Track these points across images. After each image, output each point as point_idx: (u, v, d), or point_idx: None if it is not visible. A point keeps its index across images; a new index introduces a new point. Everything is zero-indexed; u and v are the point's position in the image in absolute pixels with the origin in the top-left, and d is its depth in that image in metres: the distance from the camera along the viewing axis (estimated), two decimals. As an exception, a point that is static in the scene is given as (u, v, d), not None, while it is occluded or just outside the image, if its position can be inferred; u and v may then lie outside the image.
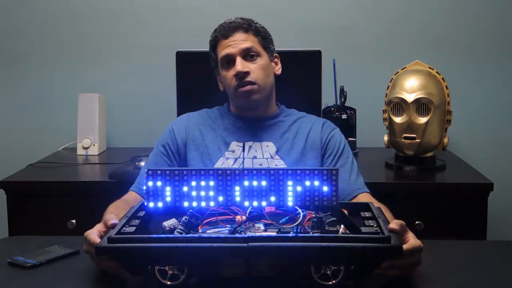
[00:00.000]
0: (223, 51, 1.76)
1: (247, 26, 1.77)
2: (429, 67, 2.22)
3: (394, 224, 1.20)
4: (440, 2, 2.59)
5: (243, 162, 1.72)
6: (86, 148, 2.50)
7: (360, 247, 1.11)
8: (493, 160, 2.60)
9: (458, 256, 1.40)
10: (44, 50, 2.67)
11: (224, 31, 1.77)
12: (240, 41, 1.75)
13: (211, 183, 1.13)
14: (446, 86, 2.19)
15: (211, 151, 1.76)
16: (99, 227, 1.29)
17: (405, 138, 2.17)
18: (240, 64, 1.73)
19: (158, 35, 2.64)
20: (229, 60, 1.75)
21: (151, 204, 1.16)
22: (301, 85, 2.09)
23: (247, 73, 1.73)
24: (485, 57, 2.59)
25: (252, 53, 1.75)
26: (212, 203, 1.14)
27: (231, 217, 1.29)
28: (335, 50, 2.50)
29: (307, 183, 1.13)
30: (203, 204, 1.15)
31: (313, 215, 1.23)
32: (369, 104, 2.52)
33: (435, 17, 2.59)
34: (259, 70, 1.75)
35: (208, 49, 1.86)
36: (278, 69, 1.85)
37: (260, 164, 1.73)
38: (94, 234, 1.27)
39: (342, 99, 2.43)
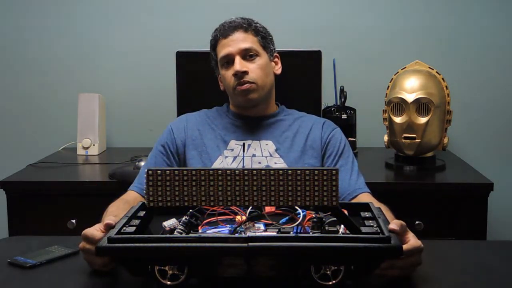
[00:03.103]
0: (222, 51, 1.77)
1: (247, 25, 1.78)
2: (429, 67, 2.22)
3: (394, 224, 1.20)
4: (440, 2, 2.59)
5: (243, 160, 1.72)
6: (86, 148, 2.50)
7: (360, 247, 1.11)
8: (493, 160, 2.60)
9: (458, 256, 1.40)
10: (44, 50, 2.67)
11: (224, 31, 1.78)
12: (239, 40, 1.76)
13: (211, 183, 1.13)
14: (446, 86, 2.19)
15: (210, 150, 1.76)
16: (98, 227, 1.29)
17: (405, 138, 2.17)
18: (239, 64, 1.73)
19: (158, 35, 2.64)
20: (229, 60, 1.76)
21: (151, 204, 1.16)
22: (301, 85, 2.09)
23: (245, 73, 1.73)
24: (485, 57, 2.59)
25: (251, 53, 1.76)
26: (212, 203, 1.14)
27: (231, 217, 1.29)
28: (335, 50, 2.50)
29: (307, 183, 1.13)
30: (203, 204, 1.15)
31: (313, 215, 1.23)
32: (369, 104, 2.52)
33: (435, 17, 2.59)
34: (258, 70, 1.76)
35: (208, 49, 1.86)
36: (278, 69, 1.86)
37: (259, 163, 1.73)
38: (93, 229, 1.26)
39: (342, 99, 2.43)
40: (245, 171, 1.14)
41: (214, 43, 1.81)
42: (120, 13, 2.64)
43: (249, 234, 1.16)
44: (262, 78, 1.76)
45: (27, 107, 2.71)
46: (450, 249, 1.46)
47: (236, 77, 1.74)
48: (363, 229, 1.18)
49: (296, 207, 1.22)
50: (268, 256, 1.13)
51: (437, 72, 2.21)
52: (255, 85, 1.75)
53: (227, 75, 1.77)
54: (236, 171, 1.14)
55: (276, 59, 1.86)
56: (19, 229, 2.08)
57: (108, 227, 1.23)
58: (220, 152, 1.75)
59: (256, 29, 1.80)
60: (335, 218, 1.20)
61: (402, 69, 2.25)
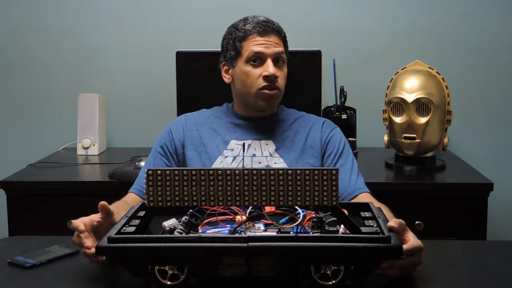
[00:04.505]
0: (255, 47, 1.72)
1: (280, 31, 1.78)
2: (429, 67, 2.22)
3: (393, 222, 1.20)
4: (440, 2, 2.59)
5: (242, 160, 1.72)
6: (86, 148, 2.50)
7: (360, 247, 1.11)
8: (493, 160, 2.60)
9: (458, 256, 1.40)
10: (44, 50, 2.67)
11: (260, 28, 1.74)
12: (275, 43, 1.74)
13: (211, 183, 1.13)
14: (446, 86, 2.20)
15: (209, 150, 1.76)
16: (93, 216, 1.33)
17: (405, 138, 2.17)
18: (273, 68, 1.72)
19: (158, 35, 2.64)
20: (258, 59, 1.73)
21: (151, 204, 1.17)
22: (301, 85, 2.09)
23: (277, 78, 1.73)
24: (485, 56, 2.59)
25: (281, 59, 1.75)
26: (212, 203, 1.14)
27: (231, 217, 1.29)
28: (335, 50, 2.50)
29: (307, 183, 1.13)
30: (203, 204, 1.15)
31: (313, 215, 1.23)
32: (369, 104, 2.52)
33: (435, 17, 2.59)
34: (283, 78, 1.77)
35: (208, 49, 1.86)
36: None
37: (259, 162, 1.73)
38: (79, 220, 1.31)
39: (342, 99, 2.43)
40: (245, 171, 1.14)
41: (244, 36, 1.75)
42: (120, 13, 2.64)
43: (249, 234, 1.16)
44: (283, 87, 1.77)
45: (27, 107, 2.70)
46: (450, 249, 1.46)
47: (266, 79, 1.72)
48: (363, 229, 1.18)
49: (296, 207, 1.22)
50: (268, 256, 1.13)
51: (437, 72, 2.21)
52: (279, 92, 1.75)
53: (253, 73, 1.73)
54: (236, 171, 1.14)
55: None
56: (19, 229, 2.08)
57: (103, 207, 1.29)
58: (220, 152, 1.75)
59: (285, 38, 1.80)
60: (335, 218, 1.20)
61: (402, 69, 2.25)
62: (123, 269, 1.19)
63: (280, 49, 1.74)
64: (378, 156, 2.38)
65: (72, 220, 1.32)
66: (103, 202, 1.32)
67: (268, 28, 1.75)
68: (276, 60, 1.74)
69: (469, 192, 2.06)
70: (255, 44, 1.73)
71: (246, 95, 1.77)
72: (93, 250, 1.25)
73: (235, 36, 1.76)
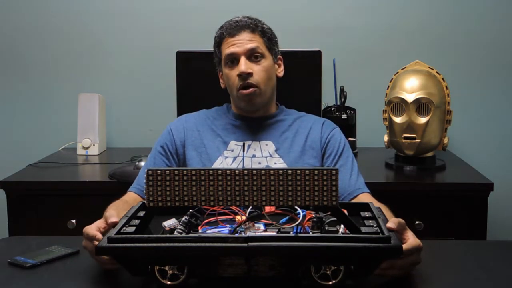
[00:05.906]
0: (227, 49, 1.75)
1: (254, 26, 1.76)
2: (429, 67, 2.22)
3: (392, 223, 1.20)
4: (440, 2, 2.59)
5: (242, 161, 1.72)
6: (86, 148, 2.50)
7: (360, 247, 1.11)
8: (493, 160, 2.60)
9: (458, 256, 1.40)
10: (44, 50, 2.67)
11: (230, 29, 1.75)
12: (246, 40, 1.74)
13: (211, 183, 1.13)
14: (446, 86, 2.20)
15: (209, 151, 1.76)
16: (98, 223, 1.30)
17: (405, 138, 2.17)
18: (244, 64, 1.72)
19: (158, 35, 2.64)
20: (233, 59, 1.74)
21: (151, 204, 1.17)
22: (301, 85, 2.09)
23: (250, 74, 1.72)
24: (485, 56, 2.59)
25: (256, 54, 1.74)
26: (212, 203, 1.14)
27: (231, 217, 1.29)
28: (335, 50, 2.50)
29: (307, 183, 1.13)
30: (203, 204, 1.15)
31: (313, 215, 1.23)
32: (369, 104, 2.52)
33: (435, 17, 2.59)
34: (262, 72, 1.74)
35: (208, 49, 1.86)
36: (280, 72, 1.84)
37: (259, 163, 1.73)
38: (93, 228, 1.28)
39: (342, 99, 2.43)
40: (245, 171, 1.14)
41: (219, 41, 1.78)
42: (120, 13, 2.64)
43: (249, 234, 1.16)
44: (265, 81, 1.75)
45: (27, 107, 2.71)
46: (450, 249, 1.46)
47: (240, 77, 1.72)
48: (363, 229, 1.18)
49: (296, 207, 1.22)
50: (268, 256, 1.13)
51: (437, 72, 2.21)
52: (258, 89, 1.74)
53: (231, 74, 1.75)
54: (236, 171, 1.14)
55: (279, 61, 1.85)
56: (19, 229, 2.08)
57: (114, 225, 1.24)
58: (220, 153, 1.75)
59: (263, 30, 1.78)
60: (335, 218, 1.20)
61: (402, 69, 2.25)
62: (123, 269, 1.19)
63: (253, 44, 1.74)
64: (378, 156, 2.38)
65: (85, 231, 1.29)
66: (114, 221, 1.26)
67: (238, 26, 1.75)
68: (250, 56, 1.74)
69: (469, 192, 2.06)
70: (228, 46, 1.75)
71: (232, 97, 1.81)
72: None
73: (214, 43, 1.81)
